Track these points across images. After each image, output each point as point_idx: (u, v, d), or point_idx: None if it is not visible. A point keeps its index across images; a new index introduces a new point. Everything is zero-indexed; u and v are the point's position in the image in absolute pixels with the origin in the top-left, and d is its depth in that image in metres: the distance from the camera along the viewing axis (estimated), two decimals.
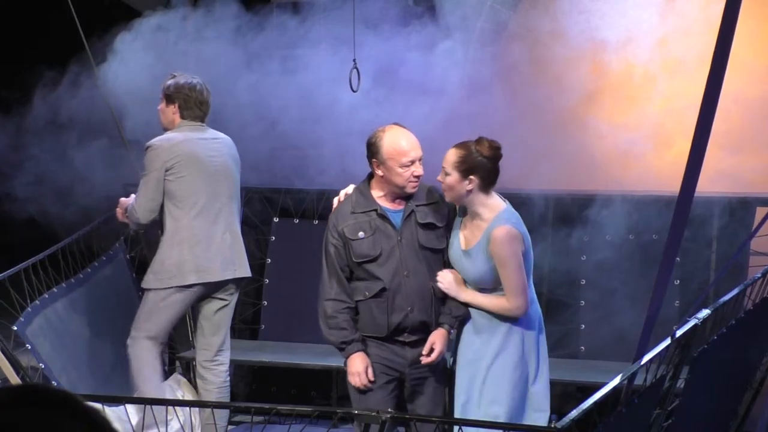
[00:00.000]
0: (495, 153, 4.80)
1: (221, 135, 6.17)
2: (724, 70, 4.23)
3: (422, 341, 4.94)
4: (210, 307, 6.17)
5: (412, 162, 4.86)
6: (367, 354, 4.94)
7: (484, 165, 4.78)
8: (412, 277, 4.91)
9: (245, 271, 6.17)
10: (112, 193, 7.30)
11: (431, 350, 4.89)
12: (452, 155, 4.82)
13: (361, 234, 4.91)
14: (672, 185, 5.57)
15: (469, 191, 4.80)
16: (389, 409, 4.67)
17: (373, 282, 4.92)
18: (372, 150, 4.91)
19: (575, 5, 7.18)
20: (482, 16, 7.60)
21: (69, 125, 7.14)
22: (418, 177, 4.89)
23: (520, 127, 7.07)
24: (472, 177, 4.78)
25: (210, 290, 6.13)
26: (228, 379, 6.30)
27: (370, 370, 4.91)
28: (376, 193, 4.97)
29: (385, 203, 4.96)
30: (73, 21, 6.61)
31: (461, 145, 4.84)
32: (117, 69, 7.11)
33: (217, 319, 6.19)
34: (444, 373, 5.04)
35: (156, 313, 6.09)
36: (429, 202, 4.97)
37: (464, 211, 4.96)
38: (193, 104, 5.98)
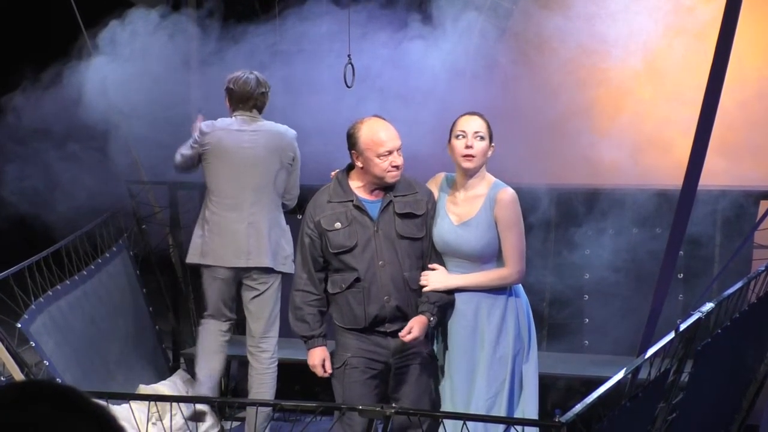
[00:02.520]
0: None
1: (267, 126, 6.28)
2: (725, 68, 4.23)
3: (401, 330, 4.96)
4: (246, 296, 6.45)
5: (390, 152, 4.89)
6: (326, 346, 5.07)
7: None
8: (388, 266, 4.93)
9: (260, 262, 6.28)
10: (111, 191, 7.31)
11: (409, 332, 4.89)
12: (482, 121, 4.94)
13: (337, 225, 4.95)
14: (675, 180, 5.57)
15: (488, 158, 4.93)
16: (393, 405, 4.67)
17: (349, 273, 4.96)
18: (351, 141, 4.97)
19: (577, 4, 7.18)
20: (484, 10, 7.59)
21: (61, 124, 7.11)
22: (396, 167, 4.92)
23: (523, 123, 7.06)
24: (493, 144, 4.93)
25: (233, 276, 6.34)
26: (272, 366, 6.53)
27: (327, 363, 5.02)
28: (354, 184, 5.01)
29: (362, 194, 4.99)
30: (60, 18, 6.66)
31: (480, 114, 4.98)
32: (109, 65, 7.11)
33: (253, 307, 6.44)
34: (429, 360, 5.04)
35: (204, 290, 6.47)
36: (408, 193, 4.99)
37: (447, 190, 5.00)
38: (235, 98, 6.25)
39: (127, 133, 7.34)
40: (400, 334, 4.89)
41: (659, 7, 7.10)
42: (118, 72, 7.14)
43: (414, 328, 4.88)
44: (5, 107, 7.18)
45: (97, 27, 7.18)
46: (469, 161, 4.87)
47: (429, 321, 4.90)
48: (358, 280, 4.94)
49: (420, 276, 4.96)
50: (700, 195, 5.50)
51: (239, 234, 6.23)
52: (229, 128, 6.23)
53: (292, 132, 6.33)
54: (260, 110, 6.28)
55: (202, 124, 6.30)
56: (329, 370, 5.03)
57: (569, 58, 7.22)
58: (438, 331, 5.05)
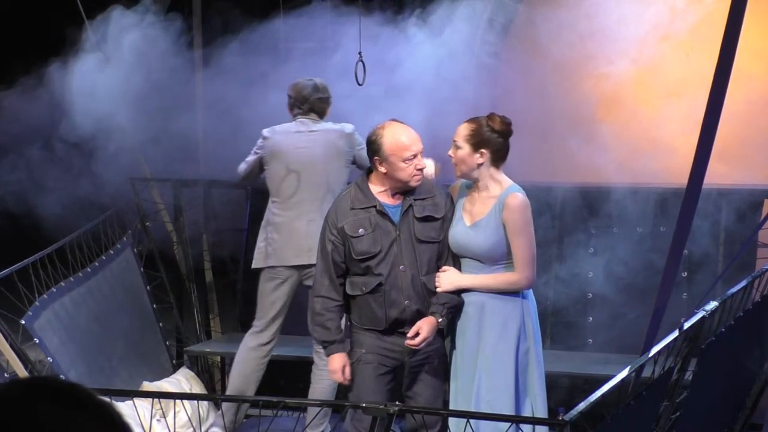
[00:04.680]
0: (506, 128, 4.88)
1: (325, 127, 6.41)
2: (731, 64, 4.23)
3: None
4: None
5: (414, 156, 4.90)
6: (348, 352, 5.02)
7: (494, 140, 4.84)
8: (408, 270, 4.94)
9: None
10: (115, 188, 7.31)
11: (417, 334, 4.89)
12: (464, 129, 4.88)
13: (361, 231, 4.94)
14: (680, 179, 5.58)
15: (480, 164, 4.85)
16: (397, 402, 4.67)
17: (371, 277, 4.95)
18: (373, 148, 4.95)
19: (580, 4, 7.18)
20: (488, 8, 7.60)
21: (63, 121, 7.08)
22: (420, 170, 4.93)
23: (527, 120, 7.06)
24: (483, 150, 4.84)
25: (293, 278, 6.42)
26: None
27: (347, 368, 4.99)
28: (375, 189, 5.00)
29: (383, 199, 4.99)
30: (60, 12, 6.68)
31: (473, 120, 4.90)
32: (112, 60, 7.10)
33: None
34: (443, 360, 5.04)
35: (259, 295, 6.57)
36: (427, 196, 5.00)
37: (465, 193, 4.98)
38: (293, 103, 6.45)
39: (131, 129, 7.34)
40: (407, 335, 4.89)
41: (661, 9, 7.10)
42: (122, 67, 7.14)
43: (422, 329, 4.88)
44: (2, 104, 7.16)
45: (100, 21, 7.17)
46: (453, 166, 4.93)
47: (438, 322, 4.91)
48: (380, 284, 4.94)
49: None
50: (704, 194, 5.49)
51: (299, 232, 6.35)
52: (288, 131, 6.44)
53: (348, 127, 6.42)
54: (320, 114, 6.44)
55: (264, 130, 6.51)
56: (348, 377, 5.00)
57: (571, 58, 7.22)
58: (447, 330, 5.04)
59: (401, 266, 4.93)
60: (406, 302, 4.93)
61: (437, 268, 4.97)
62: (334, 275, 4.99)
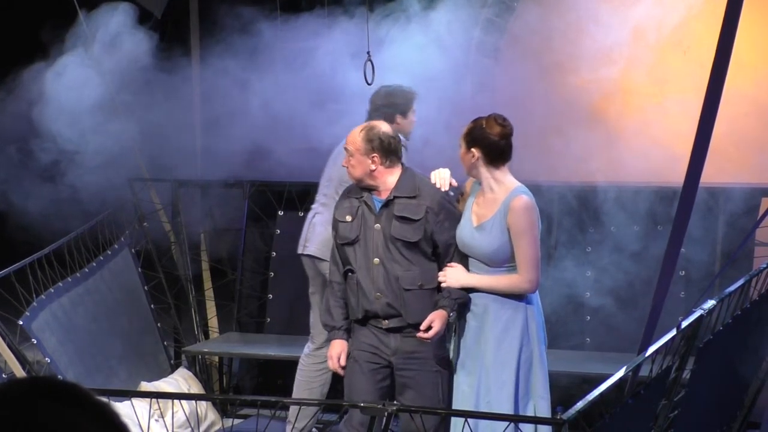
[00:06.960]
0: (500, 130, 4.85)
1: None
2: (728, 62, 4.24)
3: (401, 329, 4.97)
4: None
5: (349, 153, 5.08)
6: (348, 341, 5.09)
7: (486, 139, 4.83)
8: (382, 264, 4.99)
9: (308, 250, 6.37)
10: (113, 188, 7.31)
11: (429, 328, 4.86)
12: (465, 128, 4.94)
13: (348, 218, 5.09)
14: (677, 177, 5.58)
15: (473, 164, 4.87)
16: (395, 402, 4.67)
17: (348, 265, 5.09)
18: None
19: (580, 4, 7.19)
20: (486, 6, 7.60)
21: (60, 119, 7.06)
22: (344, 167, 5.12)
23: (524, 119, 7.05)
24: (474, 150, 4.84)
25: (312, 272, 6.41)
26: (321, 365, 6.47)
27: (343, 356, 5.05)
28: None
29: (374, 192, 5.10)
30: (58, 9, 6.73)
31: (475, 120, 4.94)
32: (109, 58, 7.10)
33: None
34: (437, 367, 5.00)
35: None
36: (411, 195, 5.02)
37: (476, 192, 4.97)
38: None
39: (128, 129, 7.33)
40: (422, 327, 4.85)
41: (657, 9, 7.11)
42: (119, 66, 7.13)
43: (435, 322, 4.85)
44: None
45: (96, 17, 7.15)
46: None
47: (449, 316, 4.90)
48: (353, 272, 5.04)
49: (417, 276, 4.97)
50: (701, 192, 5.50)
51: (304, 223, 6.43)
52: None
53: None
54: (384, 119, 6.20)
55: None
56: (342, 364, 5.05)
57: (569, 56, 7.22)
58: (454, 331, 5.01)
59: (375, 259, 5.00)
60: (376, 294, 4.98)
61: (420, 265, 4.97)
62: (339, 259, 5.13)
